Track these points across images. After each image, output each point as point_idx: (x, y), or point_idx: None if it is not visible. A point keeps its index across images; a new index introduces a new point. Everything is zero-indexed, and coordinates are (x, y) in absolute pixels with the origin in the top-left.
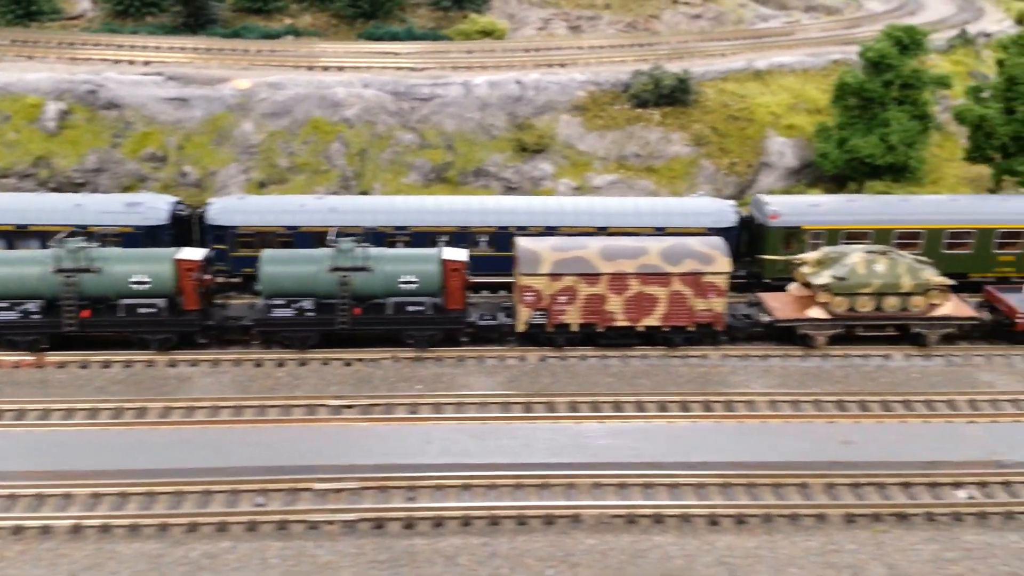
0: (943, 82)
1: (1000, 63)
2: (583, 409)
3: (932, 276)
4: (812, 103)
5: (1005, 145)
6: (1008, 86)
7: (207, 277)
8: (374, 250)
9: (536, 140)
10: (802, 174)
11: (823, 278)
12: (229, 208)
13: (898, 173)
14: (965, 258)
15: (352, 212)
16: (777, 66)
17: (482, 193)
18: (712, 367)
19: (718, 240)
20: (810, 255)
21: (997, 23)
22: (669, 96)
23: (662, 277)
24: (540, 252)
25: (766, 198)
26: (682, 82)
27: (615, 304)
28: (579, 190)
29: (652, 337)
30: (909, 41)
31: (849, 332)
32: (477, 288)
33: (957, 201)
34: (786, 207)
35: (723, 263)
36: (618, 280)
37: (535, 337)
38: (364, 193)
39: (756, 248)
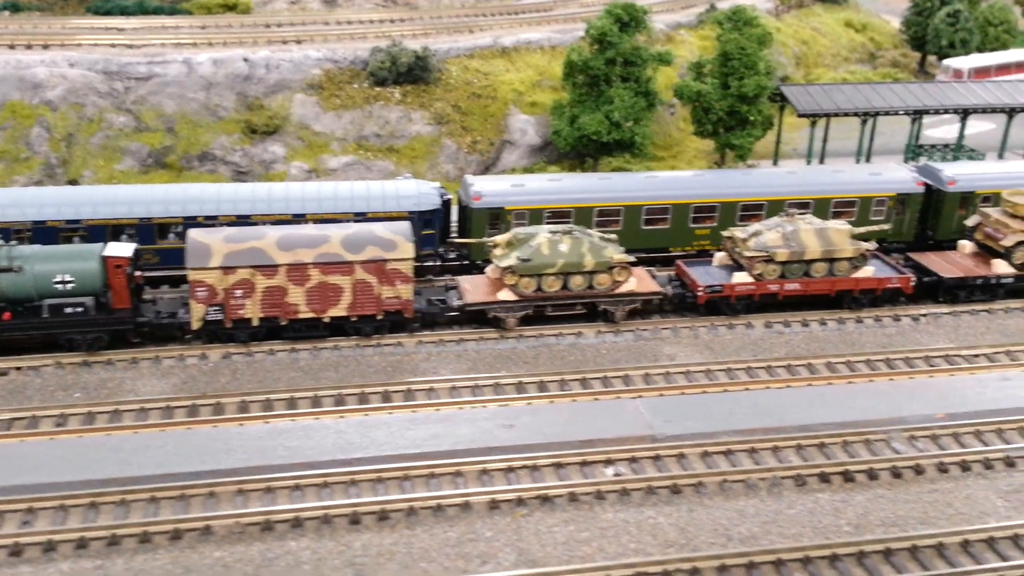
0: (664, 59)
1: (718, 38)
2: (253, 409)
3: (614, 253)
4: (557, 80)
5: (722, 119)
6: (723, 62)
7: None
8: (25, 248)
9: (266, 121)
10: (545, 151)
11: (509, 260)
12: None
13: (625, 149)
14: (664, 233)
15: (14, 206)
16: (524, 43)
17: (206, 179)
18: (405, 355)
19: (403, 225)
20: (501, 237)
21: None
22: (408, 74)
23: (344, 266)
24: (211, 244)
25: (471, 179)
26: (421, 59)
27: (297, 295)
28: (313, 172)
29: (343, 328)
30: (629, 19)
31: (539, 312)
32: (178, 282)
33: (655, 178)
34: (489, 188)
35: (406, 249)
36: (297, 271)
37: (216, 334)
38: (72, 182)
39: (465, 230)
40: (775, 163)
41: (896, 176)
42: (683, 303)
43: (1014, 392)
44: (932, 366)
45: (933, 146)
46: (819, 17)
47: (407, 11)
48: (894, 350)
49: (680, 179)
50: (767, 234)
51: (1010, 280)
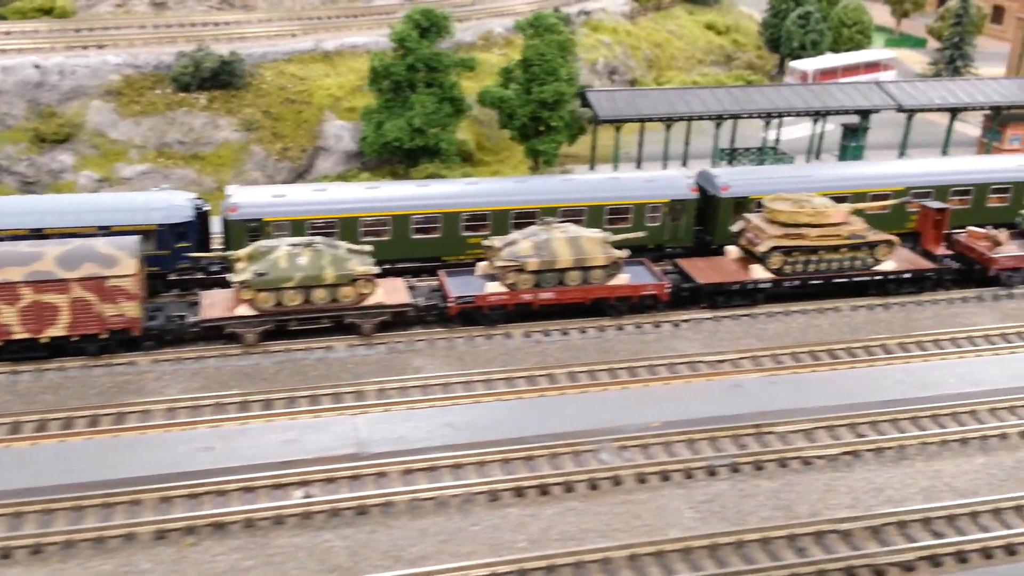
0: (467, 64)
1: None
2: None
3: (358, 266)
4: None
5: (526, 125)
6: (525, 67)
7: None
8: None
9: (56, 129)
10: (362, 158)
11: (245, 274)
12: None
13: (433, 155)
14: (435, 242)
15: None
16: (349, 46)
17: None
18: (137, 374)
19: (128, 240)
20: (242, 251)
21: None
22: (215, 79)
23: (58, 284)
24: None
25: (230, 190)
26: (227, 64)
27: (8, 316)
28: (105, 182)
29: (66, 348)
30: (429, 24)
31: (283, 327)
32: None
33: (427, 186)
34: (247, 199)
35: (128, 265)
36: (5, 290)
37: None
38: None
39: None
40: (592, 168)
41: (671, 182)
42: (443, 314)
43: (737, 400)
44: (674, 373)
45: (747, 149)
46: (678, 20)
47: (243, 13)
48: (644, 357)
49: (451, 188)
50: (521, 243)
51: (768, 285)
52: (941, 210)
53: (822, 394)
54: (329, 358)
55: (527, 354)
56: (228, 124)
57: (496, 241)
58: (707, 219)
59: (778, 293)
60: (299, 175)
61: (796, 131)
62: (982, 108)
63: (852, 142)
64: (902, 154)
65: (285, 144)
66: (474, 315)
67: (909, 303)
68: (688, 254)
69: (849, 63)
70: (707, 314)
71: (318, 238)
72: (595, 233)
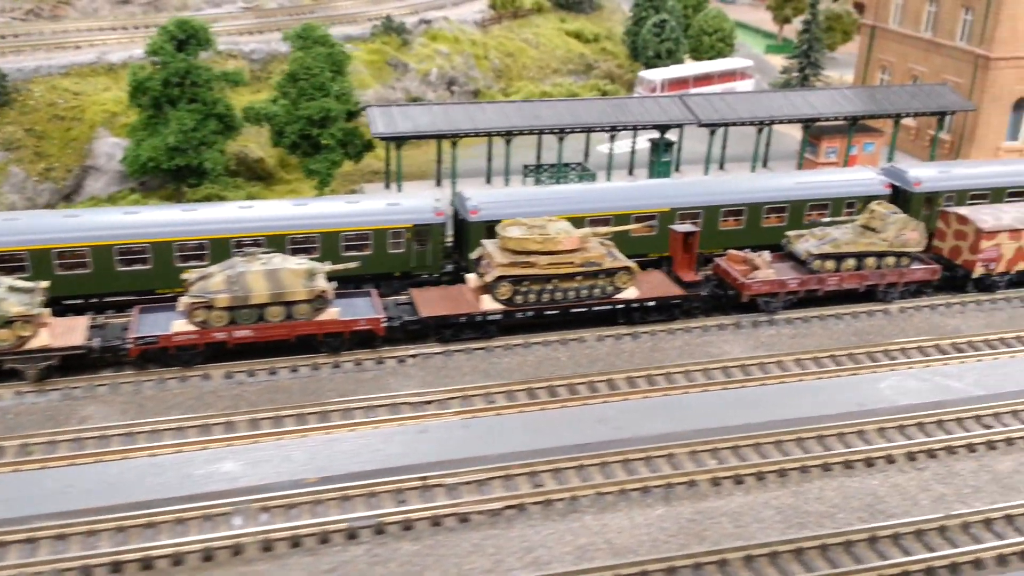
0: (232, 79)
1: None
2: None
3: (14, 307)
4: None
5: (297, 143)
6: (293, 81)
7: None
8: None
9: None
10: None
11: None
12: None
13: (199, 175)
14: (148, 275)
15: None
16: (139, 59)
17: None
18: None
19: None
20: None
21: (472, 8)
22: None
23: None
24: None
25: None
26: None
27: None
28: None
29: None
30: (186, 36)
31: None
32: None
33: (135, 214)
34: None
35: None
36: None
37: None
38: None
39: None
40: (387, 187)
41: (414, 206)
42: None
43: (419, 448)
44: (371, 416)
45: (553, 165)
46: (537, 28)
47: (46, 23)
48: (348, 399)
49: (164, 216)
50: (214, 277)
51: (498, 316)
52: (690, 233)
53: (511, 439)
54: None
55: (220, 398)
56: None
57: (193, 274)
58: (461, 245)
59: (518, 324)
60: (65, 197)
61: (622, 145)
62: (791, 121)
63: (658, 157)
64: (719, 169)
65: (49, 164)
66: (162, 356)
67: (660, 332)
68: (452, 282)
69: (701, 72)
70: (439, 348)
71: None
72: (300, 264)
